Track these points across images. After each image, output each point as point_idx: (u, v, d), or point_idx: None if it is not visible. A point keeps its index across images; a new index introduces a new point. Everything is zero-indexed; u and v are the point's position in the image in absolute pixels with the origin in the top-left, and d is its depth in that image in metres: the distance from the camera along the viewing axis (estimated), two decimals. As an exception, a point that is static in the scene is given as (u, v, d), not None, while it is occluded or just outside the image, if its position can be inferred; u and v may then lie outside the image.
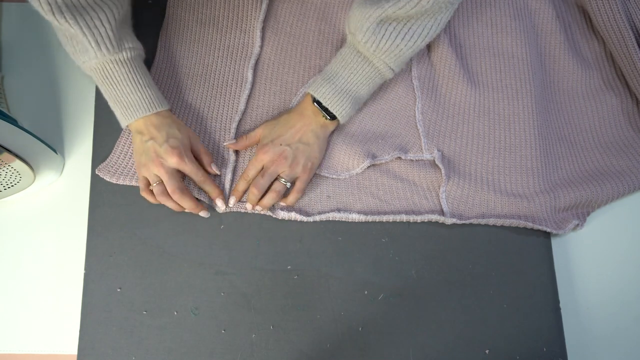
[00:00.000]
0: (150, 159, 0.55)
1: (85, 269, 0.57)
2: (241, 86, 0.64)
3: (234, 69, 0.65)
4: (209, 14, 0.66)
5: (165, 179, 0.55)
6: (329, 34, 0.68)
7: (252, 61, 0.65)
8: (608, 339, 0.61)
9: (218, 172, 0.59)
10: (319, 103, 0.58)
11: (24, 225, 0.61)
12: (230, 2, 0.67)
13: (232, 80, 0.64)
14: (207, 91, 0.64)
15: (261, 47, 0.66)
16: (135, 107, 0.55)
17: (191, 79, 0.64)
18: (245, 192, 0.60)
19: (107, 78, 0.54)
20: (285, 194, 0.59)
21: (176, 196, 0.55)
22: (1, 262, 0.60)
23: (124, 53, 0.54)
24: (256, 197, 0.58)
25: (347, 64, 0.58)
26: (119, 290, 0.57)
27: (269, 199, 0.58)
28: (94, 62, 0.53)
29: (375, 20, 0.53)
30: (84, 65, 0.54)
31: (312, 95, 0.59)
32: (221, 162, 0.61)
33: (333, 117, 0.59)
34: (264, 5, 0.66)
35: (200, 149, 0.59)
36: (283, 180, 0.58)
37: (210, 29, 0.66)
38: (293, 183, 0.59)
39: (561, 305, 0.60)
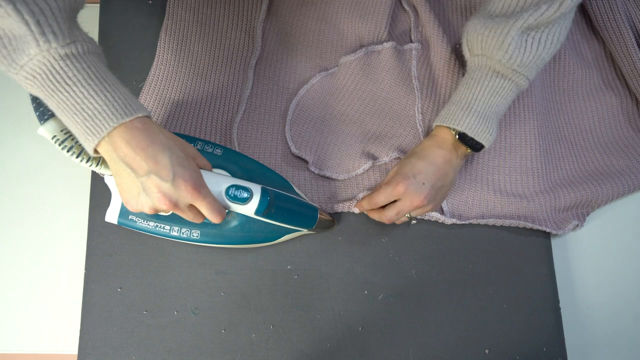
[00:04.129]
0: (155, 199, 0.42)
1: (85, 269, 0.57)
2: (241, 86, 0.64)
3: (234, 69, 0.65)
4: (209, 14, 0.66)
5: (184, 216, 0.45)
6: (329, 34, 0.68)
7: (253, 61, 0.65)
8: (608, 338, 0.61)
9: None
10: (462, 136, 0.54)
11: (24, 225, 0.61)
12: (231, 2, 0.67)
13: (232, 80, 0.64)
14: (208, 91, 0.64)
15: (261, 47, 0.66)
16: (103, 114, 0.39)
17: (191, 79, 0.64)
18: (365, 210, 0.58)
19: (58, 83, 0.39)
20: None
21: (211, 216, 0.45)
22: (1, 262, 0.60)
23: (78, 46, 0.39)
24: (374, 218, 0.57)
25: (483, 86, 0.54)
26: (119, 290, 0.57)
27: (384, 220, 0.55)
28: (37, 60, 0.38)
29: (516, 33, 0.49)
30: (24, 71, 0.38)
31: (453, 130, 0.55)
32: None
33: (478, 147, 0.55)
34: (264, 5, 0.66)
35: (196, 154, 0.48)
36: (410, 215, 0.55)
37: (211, 29, 0.66)
38: None
39: (561, 305, 0.60)
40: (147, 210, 0.43)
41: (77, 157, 0.48)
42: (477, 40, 0.53)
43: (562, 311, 0.60)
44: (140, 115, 0.41)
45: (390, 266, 0.59)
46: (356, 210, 0.59)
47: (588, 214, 0.63)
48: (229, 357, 0.56)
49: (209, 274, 0.58)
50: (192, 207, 0.44)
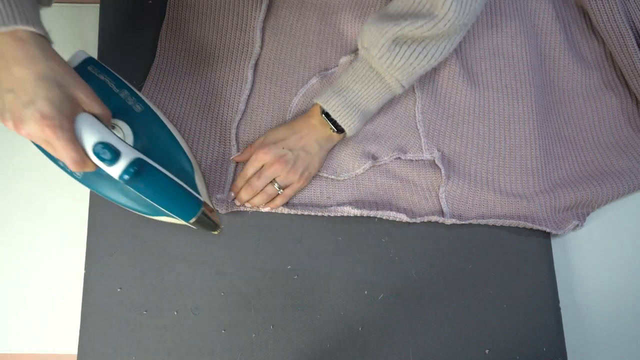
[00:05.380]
0: (9, 119, 0.40)
1: (85, 269, 0.57)
2: (241, 86, 0.64)
3: (234, 69, 0.65)
4: (209, 14, 0.66)
5: (42, 146, 0.42)
6: (329, 34, 0.68)
7: (252, 61, 0.65)
8: (608, 339, 0.61)
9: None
10: (327, 115, 0.58)
11: (24, 225, 0.61)
12: (230, 2, 0.67)
13: (232, 80, 0.64)
14: (207, 91, 0.64)
15: (261, 47, 0.66)
16: None
17: (191, 78, 0.64)
18: (241, 188, 0.59)
19: None
20: None
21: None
22: (1, 262, 0.60)
23: None
24: (248, 197, 0.58)
25: (358, 78, 0.57)
26: (119, 290, 0.57)
27: (258, 200, 0.58)
28: None
29: (391, 37, 0.53)
30: None
31: (320, 107, 0.58)
32: (222, 160, 0.61)
33: (340, 130, 0.58)
34: (264, 5, 0.66)
35: (88, 101, 0.43)
36: (277, 185, 0.57)
37: (211, 29, 0.66)
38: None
39: (561, 305, 0.60)
40: (6, 124, 0.41)
41: None
42: (365, 34, 0.56)
43: (562, 311, 0.60)
44: (24, 28, 0.38)
45: (390, 266, 0.59)
46: (232, 197, 0.59)
47: (588, 214, 0.63)
48: (229, 357, 0.56)
49: (209, 274, 0.58)
50: (47, 142, 0.41)
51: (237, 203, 0.59)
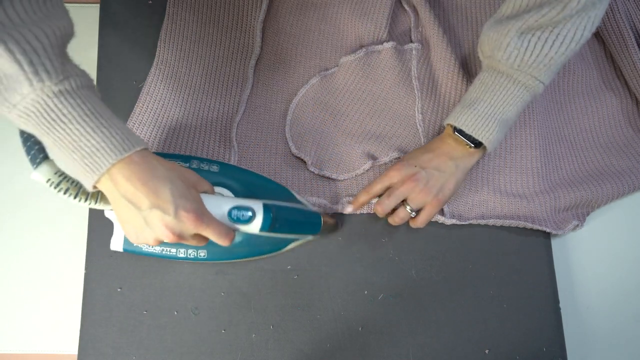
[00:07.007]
0: (159, 233, 0.42)
1: (85, 269, 0.57)
2: (241, 86, 0.64)
3: (234, 69, 0.65)
4: (209, 14, 0.66)
5: (188, 244, 0.45)
6: (329, 34, 0.68)
7: (252, 61, 0.65)
8: (608, 339, 0.61)
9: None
10: (461, 132, 0.54)
11: (24, 225, 0.61)
12: (230, 2, 0.67)
13: (232, 80, 0.65)
14: (207, 91, 0.64)
15: (261, 47, 0.66)
16: (101, 151, 0.39)
17: (191, 79, 0.64)
18: (364, 204, 0.58)
19: (54, 120, 0.37)
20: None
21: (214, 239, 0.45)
22: (1, 262, 0.60)
23: (71, 81, 0.38)
24: (379, 215, 0.56)
25: (487, 87, 0.53)
26: (119, 290, 0.57)
27: (391, 221, 0.56)
28: (31, 99, 0.36)
29: (516, 32, 0.49)
30: (17, 110, 0.37)
31: (452, 126, 0.55)
32: (222, 160, 0.60)
33: (478, 145, 0.54)
34: (264, 5, 0.66)
35: (197, 181, 0.47)
36: (409, 207, 0.55)
37: (211, 29, 0.66)
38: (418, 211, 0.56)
39: (561, 305, 0.60)
40: (152, 242, 0.43)
41: (74, 197, 0.47)
42: (485, 42, 0.54)
43: (562, 311, 0.60)
44: (138, 149, 0.41)
45: (390, 266, 0.59)
46: (349, 210, 0.58)
47: (588, 214, 0.63)
48: (229, 357, 0.56)
49: (209, 274, 0.58)
50: (196, 234, 0.44)
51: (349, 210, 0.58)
